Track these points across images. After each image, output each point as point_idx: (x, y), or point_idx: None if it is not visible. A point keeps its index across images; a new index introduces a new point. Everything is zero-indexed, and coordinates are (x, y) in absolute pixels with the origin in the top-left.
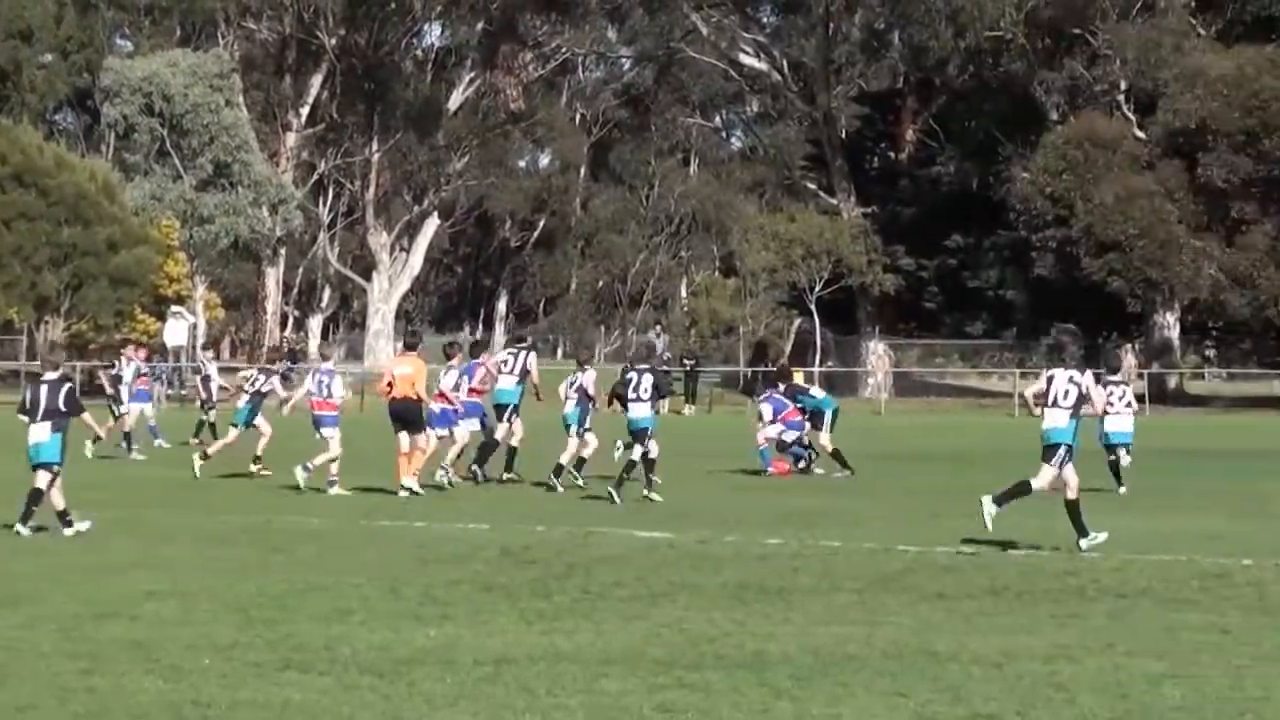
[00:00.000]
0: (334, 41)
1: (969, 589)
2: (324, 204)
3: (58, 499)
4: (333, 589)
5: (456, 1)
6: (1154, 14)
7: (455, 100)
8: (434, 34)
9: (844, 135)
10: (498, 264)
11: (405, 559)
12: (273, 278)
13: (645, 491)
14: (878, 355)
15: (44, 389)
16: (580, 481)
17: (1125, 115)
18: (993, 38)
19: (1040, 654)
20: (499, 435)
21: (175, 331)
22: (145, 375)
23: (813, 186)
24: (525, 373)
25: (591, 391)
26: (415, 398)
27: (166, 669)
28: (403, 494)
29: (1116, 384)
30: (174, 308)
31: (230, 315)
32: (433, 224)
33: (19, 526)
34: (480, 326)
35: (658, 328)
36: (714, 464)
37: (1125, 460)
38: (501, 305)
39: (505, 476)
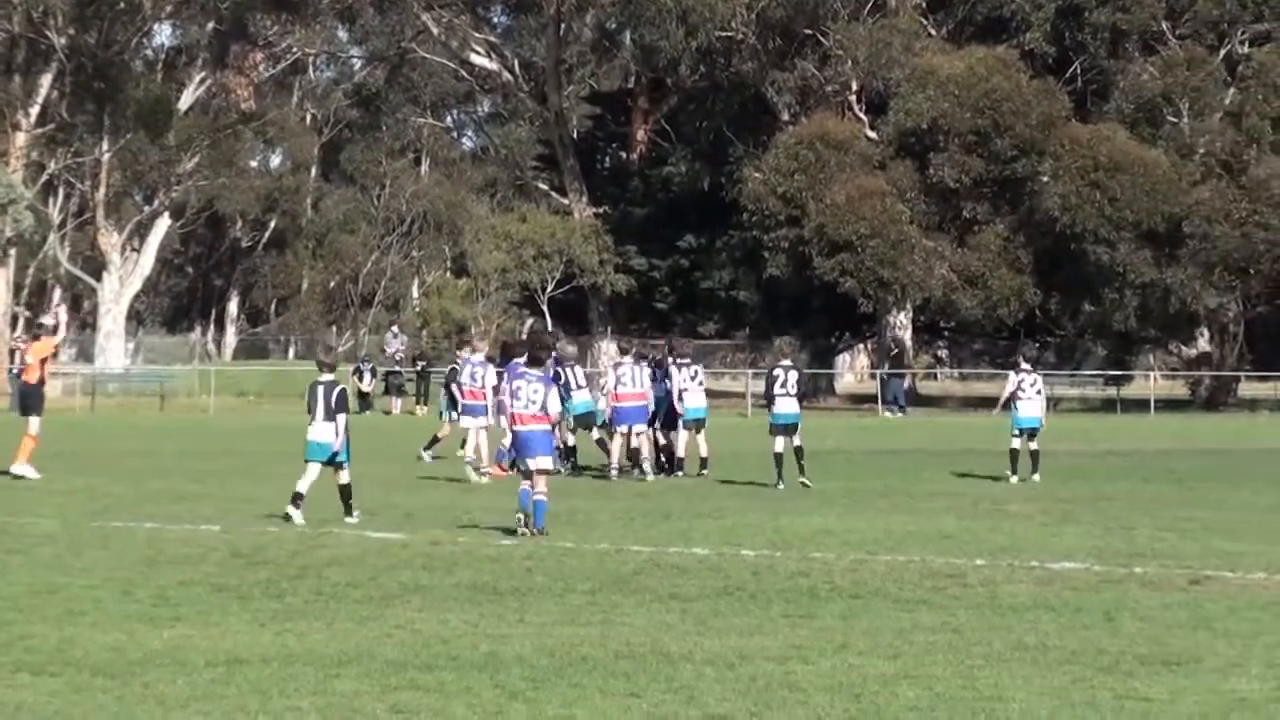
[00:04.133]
0: (63, 40)
1: (702, 589)
2: (54, 204)
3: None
4: (65, 590)
5: (187, 1)
6: (885, 14)
7: (186, 100)
8: (165, 33)
9: (575, 135)
10: (229, 264)
11: (137, 560)
12: (2, 278)
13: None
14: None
15: (320, 390)
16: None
17: (857, 116)
18: (724, 38)
19: (774, 654)
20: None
21: None
22: None
23: (544, 187)
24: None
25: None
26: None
27: None
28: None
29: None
30: None
31: None
32: (164, 224)
33: (349, 519)
34: (212, 327)
35: (394, 328)
36: (447, 465)
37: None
38: (233, 306)
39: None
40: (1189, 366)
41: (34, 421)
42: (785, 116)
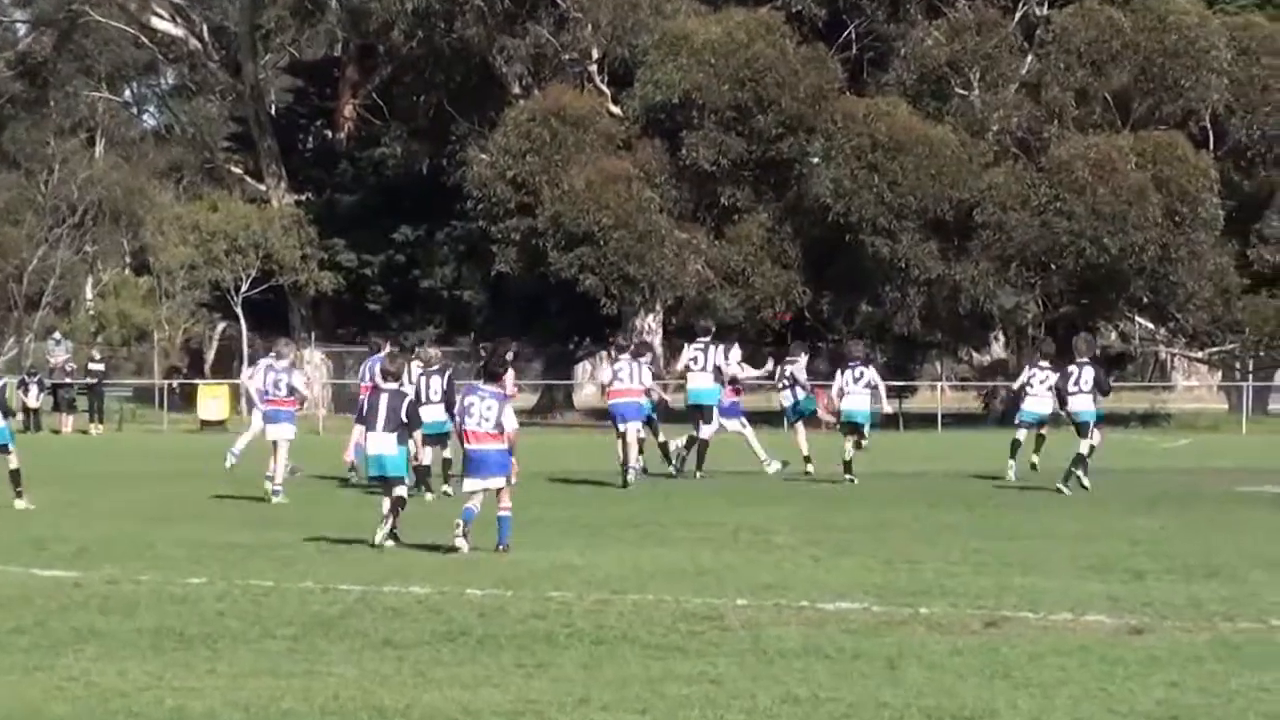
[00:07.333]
0: None
1: (422, 635)
2: None
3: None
4: None
5: None
6: None
7: None
8: None
9: (274, 111)
10: None
11: None
12: None
13: (1077, 482)
14: (314, 365)
15: (384, 398)
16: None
17: (598, 88)
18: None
19: (505, 709)
20: (705, 434)
21: None
22: None
23: (238, 171)
24: (718, 370)
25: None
26: None
27: None
28: None
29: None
30: None
31: None
32: None
33: (380, 535)
34: None
35: (56, 334)
36: (126, 491)
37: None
38: None
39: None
40: (982, 376)
41: None
42: (516, 89)
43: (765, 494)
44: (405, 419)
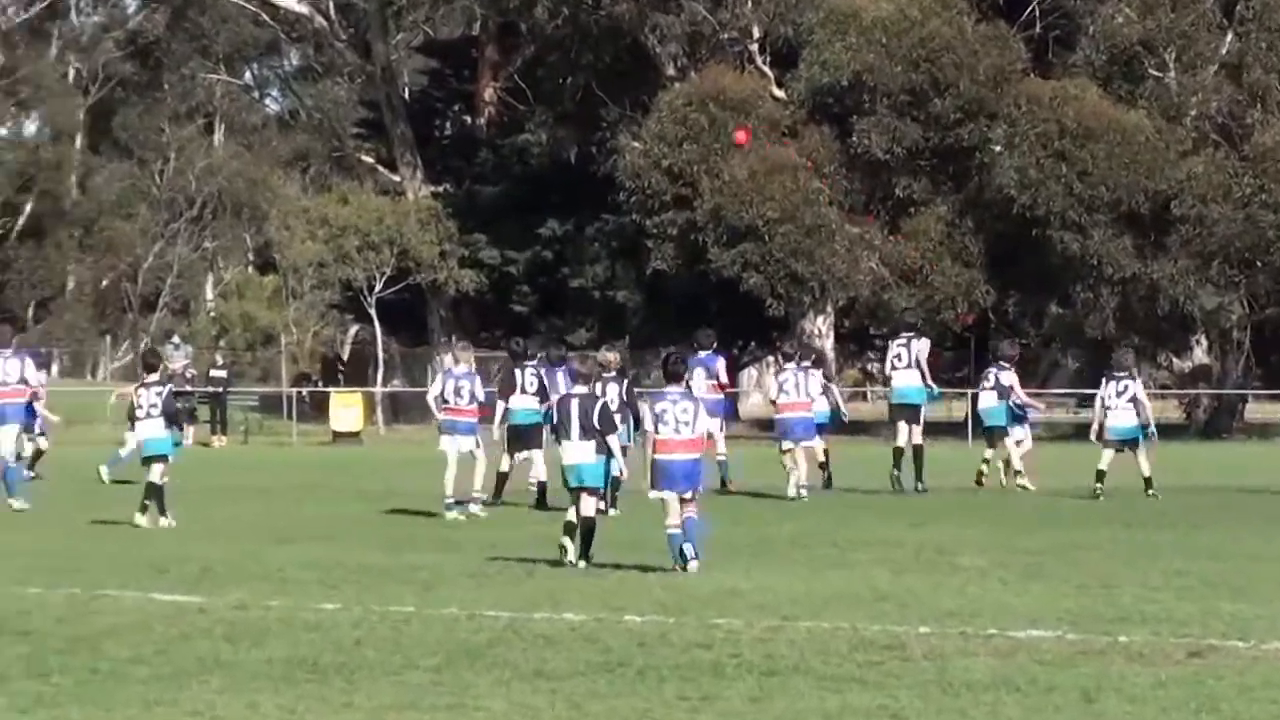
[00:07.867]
0: None
1: (576, 665)
2: None
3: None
4: None
5: None
6: None
7: None
8: None
9: (407, 95)
10: None
11: None
12: None
13: None
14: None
15: (574, 403)
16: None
17: (760, 69)
18: None
19: None
20: (917, 438)
21: None
22: None
23: (370, 160)
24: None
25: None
26: None
27: None
28: None
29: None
30: None
31: None
32: None
33: (579, 563)
34: None
35: (175, 338)
36: (253, 509)
37: None
38: None
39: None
40: (1183, 383)
41: None
42: (670, 71)
43: (948, 511)
44: (598, 425)
